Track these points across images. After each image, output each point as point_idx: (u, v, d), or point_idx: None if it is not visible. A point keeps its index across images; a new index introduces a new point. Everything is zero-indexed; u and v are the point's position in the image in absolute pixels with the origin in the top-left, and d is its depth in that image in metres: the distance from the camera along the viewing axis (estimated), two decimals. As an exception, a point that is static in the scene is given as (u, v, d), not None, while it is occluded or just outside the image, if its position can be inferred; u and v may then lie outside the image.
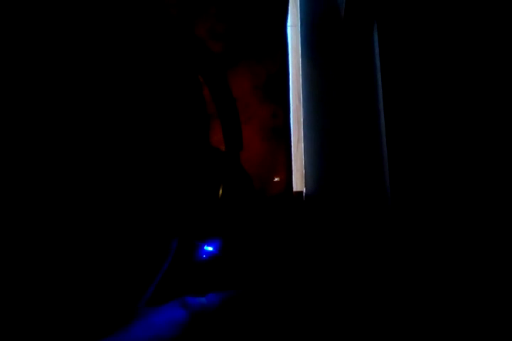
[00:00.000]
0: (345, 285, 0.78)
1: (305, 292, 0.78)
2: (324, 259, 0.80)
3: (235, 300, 0.64)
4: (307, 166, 0.86)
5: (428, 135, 0.77)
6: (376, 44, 0.83)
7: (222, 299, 0.62)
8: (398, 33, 0.81)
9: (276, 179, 0.85)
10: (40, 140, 0.54)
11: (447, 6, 0.80)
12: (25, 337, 0.51)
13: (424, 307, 0.72)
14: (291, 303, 0.76)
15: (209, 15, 0.88)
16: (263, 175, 0.84)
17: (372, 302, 0.77)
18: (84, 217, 0.54)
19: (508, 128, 0.76)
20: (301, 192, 0.86)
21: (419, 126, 0.78)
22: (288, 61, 0.88)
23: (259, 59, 0.87)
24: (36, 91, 0.53)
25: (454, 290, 0.72)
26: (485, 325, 0.70)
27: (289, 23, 0.90)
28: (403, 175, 0.76)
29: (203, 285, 0.65)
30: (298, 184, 0.87)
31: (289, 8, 0.90)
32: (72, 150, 0.54)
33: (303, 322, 0.75)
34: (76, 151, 0.54)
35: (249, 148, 0.83)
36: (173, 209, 0.60)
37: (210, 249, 0.65)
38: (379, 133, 0.83)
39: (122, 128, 0.57)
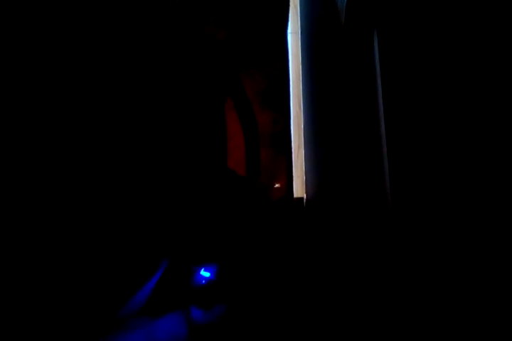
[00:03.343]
0: (346, 289, 0.78)
1: (306, 296, 0.78)
2: (325, 264, 0.80)
3: (237, 311, 0.64)
4: (308, 172, 0.86)
5: (427, 142, 0.78)
6: (376, 51, 0.83)
7: (226, 311, 0.63)
8: (398, 41, 0.82)
9: (276, 185, 0.85)
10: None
11: (446, 14, 0.81)
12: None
13: (424, 308, 0.72)
14: (293, 309, 0.76)
15: (209, 22, 0.89)
16: (264, 181, 0.84)
17: (372, 304, 0.77)
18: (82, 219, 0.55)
19: (503, 130, 0.76)
20: (302, 198, 0.86)
21: (419, 132, 0.78)
22: (288, 67, 0.88)
23: (259, 65, 0.87)
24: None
25: (454, 291, 0.72)
26: (484, 324, 0.70)
27: (290, 29, 0.90)
28: (403, 182, 0.77)
29: (207, 299, 0.67)
30: (298, 190, 0.87)
31: (290, 15, 0.90)
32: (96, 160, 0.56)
33: (305, 327, 0.75)
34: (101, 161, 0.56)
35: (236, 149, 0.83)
36: (172, 227, 0.62)
37: (207, 274, 0.68)
38: (379, 140, 0.83)
39: (142, 142, 0.59)
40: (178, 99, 0.65)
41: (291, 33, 0.90)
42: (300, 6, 0.91)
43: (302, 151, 0.87)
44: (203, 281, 0.68)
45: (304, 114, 0.87)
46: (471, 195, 0.75)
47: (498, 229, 0.73)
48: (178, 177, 0.62)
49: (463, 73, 0.79)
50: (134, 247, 0.59)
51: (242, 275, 0.73)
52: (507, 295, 0.70)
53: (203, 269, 0.68)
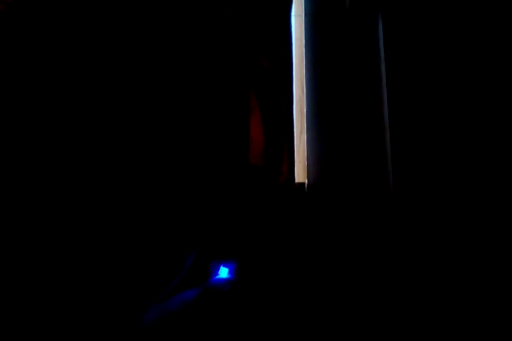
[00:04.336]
0: (347, 276, 0.78)
1: (306, 283, 0.78)
2: (326, 250, 0.80)
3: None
4: (310, 157, 0.85)
5: (432, 131, 0.77)
6: (381, 35, 0.83)
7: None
8: (403, 24, 0.81)
9: (278, 170, 0.84)
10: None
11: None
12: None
13: (426, 298, 0.72)
14: (292, 295, 0.76)
15: (212, 4, 0.87)
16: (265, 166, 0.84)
17: (373, 293, 0.77)
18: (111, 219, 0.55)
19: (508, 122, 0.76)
20: (304, 183, 0.85)
21: (423, 117, 0.77)
22: (292, 51, 0.87)
23: (262, 48, 0.86)
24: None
25: (454, 281, 0.72)
26: (486, 322, 0.70)
27: (293, 12, 0.89)
28: (405, 167, 0.76)
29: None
30: (300, 175, 0.86)
31: (293, -3, 0.89)
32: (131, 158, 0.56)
33: (303, 314, 0.75)
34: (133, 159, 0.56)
35: (252, 139, 0.83)
36: (194, 222, 0.61)
37: (225, 270, 0.66)
38: (382, 125, 0.82)
39: (166, 137, 0.58)
40: (197, 83, 0.64)
41: (295, 15, 0.88)
42: (304, -12, 0.89)
43: (304, 136, 0.86)
44: (222, 278, 0.66)
45: (307, 98, 0.86)
46: (477, 186, 0.74)
47: (501, 225, 0.73)
48: (196, 172, 0.61)
49: (471, 60, 0.78)
50: (161, 242, 0.59)
51: (260, 273, 0.73)
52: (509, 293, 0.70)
53: (221, 265, 0.66)
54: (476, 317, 0.70)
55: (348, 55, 0.87)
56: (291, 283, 0.78)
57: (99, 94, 0.58)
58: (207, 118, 0.65)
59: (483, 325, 0.70)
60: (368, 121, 0.85)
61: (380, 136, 0.83)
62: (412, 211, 0.75)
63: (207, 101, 0.65)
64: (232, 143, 0.68)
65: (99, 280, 0.56)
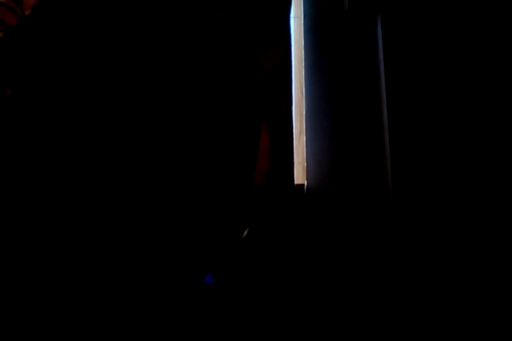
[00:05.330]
0: (346, 278, 0.78)
1: (306, 285, 0.78)
2: (325, 252, 0.80)
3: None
4: (309, 159, 0.85)
5: (430, 129, 0.77)
6: (380, 37, 0.83)
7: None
8: (402, 26, 0.81)
9: (277, 171, 0.83)
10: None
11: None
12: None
13: (425, 300, 0.72)
14: (292, 296, 0.76)
15: (211, 6, 0.87)
16: (264, 167, 0.83)
17: (373, 297, 0.76)
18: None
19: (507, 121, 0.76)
20: (303, 185, 0.85)
21: (422, 119, 0.78)
22: (291, 52, 0.87)
23: (261, 50, 0.85)
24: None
25: (453, 282, 0.72)
26: (486, 322, 0.70)
27: (293, 14, 0.89)
28: (405, 169, 0.76)
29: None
30: (299, 177, 0.86)
31: (293, -1, 0.89)
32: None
33: (302, 315, 0.75)
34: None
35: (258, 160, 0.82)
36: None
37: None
38: (381, 127, 0.82)
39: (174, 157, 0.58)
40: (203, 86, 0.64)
41: (294, 17, 0.88)
42: (303, -10, 0.90)
43: (304, 137, 0.86)
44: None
45: (306, 99, 0.86)
46: (476, 189, 0.75)
47: (500, 227, 0.73)
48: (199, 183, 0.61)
49: (472, 61, 0.79)
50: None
51: (259, 274, 0.73)
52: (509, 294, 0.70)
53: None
54: (475, 317, 0.70)
55: (347, 57, 0.87)
56: (290, 284, 0.77)
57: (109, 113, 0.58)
58: (216, 131, 0.65)
59: (483, 325, 0.69)
60: (367, 123, 0.85)
61: (379, 138, 0.83)
62: (411, 213, 0.75)
63: (219, 115, 0.65)
64: (240, 160, 0.68)
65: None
